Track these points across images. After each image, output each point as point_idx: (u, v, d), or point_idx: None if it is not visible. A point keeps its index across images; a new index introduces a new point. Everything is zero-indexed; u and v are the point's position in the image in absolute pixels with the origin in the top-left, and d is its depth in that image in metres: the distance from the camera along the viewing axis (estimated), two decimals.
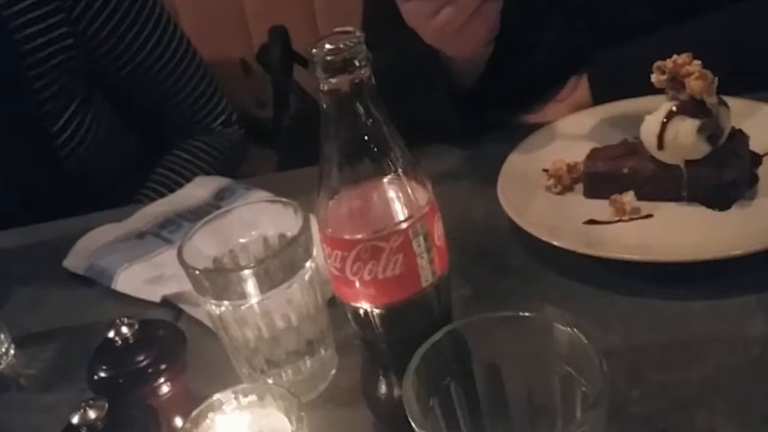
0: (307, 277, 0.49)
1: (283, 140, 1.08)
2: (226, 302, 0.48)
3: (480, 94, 0.78)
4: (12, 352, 0.62)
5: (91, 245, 0.73)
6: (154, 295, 0.64)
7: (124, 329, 0.45)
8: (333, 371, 0.52)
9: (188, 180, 0.97)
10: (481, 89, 0.78)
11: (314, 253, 0.50)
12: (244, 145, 1.11)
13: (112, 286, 0.67)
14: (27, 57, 0.89)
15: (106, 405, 0.37)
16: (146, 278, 0.66)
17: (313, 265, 0.50)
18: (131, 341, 0.44)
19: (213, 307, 0.49)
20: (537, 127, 0.73)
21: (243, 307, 0.48)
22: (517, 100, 0.81)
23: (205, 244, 0.52)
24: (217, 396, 0.40)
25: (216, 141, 1.06)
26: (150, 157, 1.05)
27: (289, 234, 0.51)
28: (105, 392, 0.42)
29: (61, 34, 0.91)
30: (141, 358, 0.44)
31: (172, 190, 1.00)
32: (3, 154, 0.91)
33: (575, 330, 0.35)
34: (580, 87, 0.78)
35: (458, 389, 0.37)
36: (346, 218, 0.43)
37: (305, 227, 0.49)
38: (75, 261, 0.72)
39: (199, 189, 0.80)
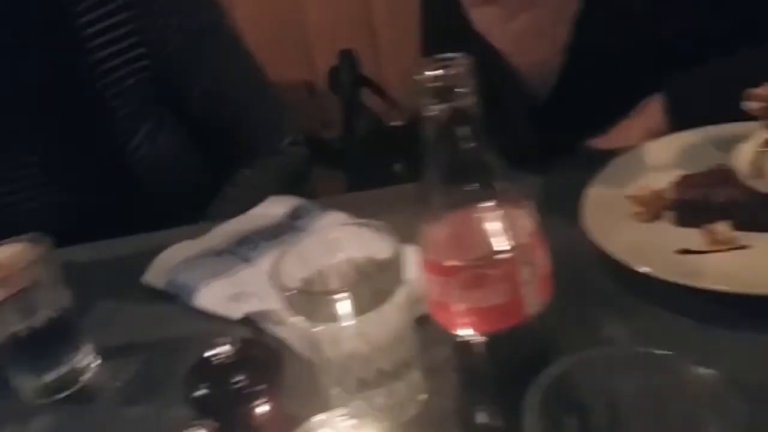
0: (399, 299, 0.49)
1: (352, 161, 1.09)
2: (318, 322, 0.48)
3: (551, 116, 0.77)
4: (97, 363, 0.62)
5: (170, 261, 0.74)
6: (235, 312, 0.64)
7: (223, 348, 0.45)
8: (423, 396, 0.51)
9: (255, 198, 0.98)
10: (552, 110, 0.76)
11: (407, 275, 0.49)
12: (309, 165, 1.11)
13: (193, 303, 0.68)
14: (104, 77, 0.91)
15: (218, 425, 0.37)
16: (227, 295, 0.66)
17: (405, 287, 0.50)
18: (230, 360, 0.44)
19: (305, 327, 0.49)
20: (610, 152, 0.71)
21: (336, 328, 0.48)
22: (588, 123, 0.79)
23: (293, 265, 0.52)
24: (318, 417, 0.40)
25: (283, 160, 1.07)
26: (217, 175, 1.06)
27: (379, 256, 0.50)
28: (204, 411, 0.42)
29: (137, 55, 0.93)
30: (240, 377, 0.43)
31: (240, 208, 1.01)
32: (77, 171, 0.93)
33: (708, 369, 0.33)
34: (652, 110, 0.76)
35: (578, 425, 0.36)
36: (449, 244, 0.43)
37: (398, 251, 0.49)
38: (154, 276, 0.73)
39: (273, 208, 0.81)
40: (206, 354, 0.45)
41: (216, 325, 0.64)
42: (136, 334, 0.67)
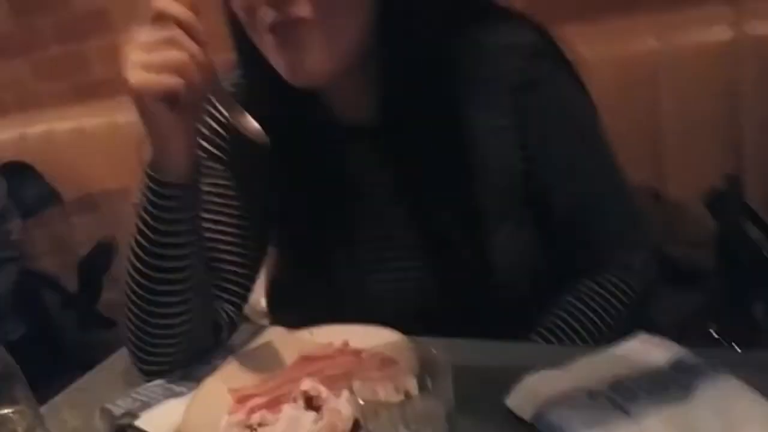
0: None
1: (723, 293, 1.00)
2: None
3: None
4: None
5: (539, 390, 0.71)
6: None
7: None
8: None
9: (599, 319, 0.93)
10: None
11: None
12: (655, 286, 1.04)
13: None
14: (480, 174, 0.92)
15: None
16: None
17: None
18: None
19: None
20: None
21: None
22: None
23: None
24: None
25: (632, 280, 1.00)
26: (557, 283, 1.03)
27: None
28: None
29: (513, 158, 0.93)
30: None
31: (583, 325, 0.96)
32: (439, 257, 0.95)
33: None
34: None
35: None
36: None
37: None
38: (520, 402, 0.71)
39: (650, 351, 0.75)
40: None
41: None
42: None
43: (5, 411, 0.67)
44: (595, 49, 1.22)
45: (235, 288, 0.98)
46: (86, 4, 2.16)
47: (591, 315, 0.96)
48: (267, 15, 0.80)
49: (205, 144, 0.96)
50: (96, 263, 1.66)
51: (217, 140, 0.98)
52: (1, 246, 1.64)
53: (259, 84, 0.91)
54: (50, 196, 1.97)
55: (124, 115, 2.00)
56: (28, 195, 1.95)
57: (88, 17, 2.17)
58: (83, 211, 1.78)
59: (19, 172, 2.02)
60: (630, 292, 0.99)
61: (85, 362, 1.01)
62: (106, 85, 2.21)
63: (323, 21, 0.80)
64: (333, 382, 0.77)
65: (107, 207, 1.80)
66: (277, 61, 0.83)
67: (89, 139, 2.07)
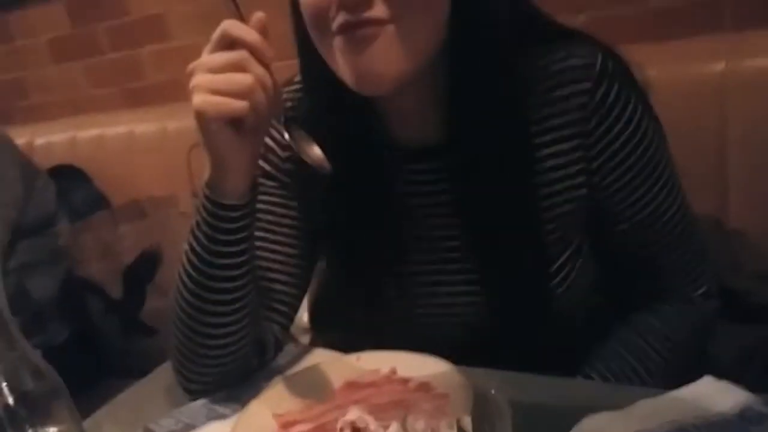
0: None
1: None
2: None
3: None
4: None
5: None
6: None
7: None
8: None
9: (657, 354, 0.90)
10: None
11: None
12: (716, 320, 0.99)
13: None
14: (545, 199, 0.89)
15: None
16: None
17: None
18: None
19: None
20: None
21: None
22: None
23: None
24: None
25: (692, 312, 0.96)
26: (615, 315, 0.99)
27: None
28: None
29: (578, 183, 0.90)
30: None
31: (641, 361, 0.92)
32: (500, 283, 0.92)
33: None
34: None
35: None
36: None
37: None
38: None
39: (715, 395, 0.70)
40: None
41: None
42: None
43: (51, 430, 0.66)
44: (662, 69, 1.17)
45: (283, 308, 0.96)
46: (142, 11, 2.18)
47: (649, 350, 0.92)
48: (339, 17, 0.78)
49: (259, 161, 0.95)
50: (141, 271, 1.66)
51: (272, 157, 0.97)
52: (49, 249, 1.65)
53: (318, 98, 0.90)
54: (99, 201, 1.99)
55: (175, 122, 2.01)
56: (77, 198, 1.97)
57: (143, 23, 2.19)
58: (130, 217, 1.79)
59: (69, 175, 2.04)
60: (690, 326, 0.95)
61: (127, 369, 1.00)
62: (159, 91, 2.24)
63: (397, 21, 0.77)
64: (379, 411, 0.75)
65: (154, 214, 1.80)
66: (344, 66, 0.81)
67: (139, 145, 2.09)
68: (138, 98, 2.30)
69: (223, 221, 0.81)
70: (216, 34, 0.75)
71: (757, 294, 1.05)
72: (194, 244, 0.83)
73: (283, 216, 0.96)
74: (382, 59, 0.78)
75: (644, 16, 1.40)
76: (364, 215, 0.92)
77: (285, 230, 0.96)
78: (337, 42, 0.80)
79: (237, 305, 0.85)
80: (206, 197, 0.81)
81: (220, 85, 0.74)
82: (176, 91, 2.18)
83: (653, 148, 0.90)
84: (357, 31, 0.77)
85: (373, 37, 0.77)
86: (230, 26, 0.75)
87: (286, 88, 0.97)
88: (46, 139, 2.28)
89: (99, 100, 2.40)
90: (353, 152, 0.89)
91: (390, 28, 0.77)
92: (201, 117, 0.75)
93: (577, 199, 0.90)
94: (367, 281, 0.96)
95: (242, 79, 0.74)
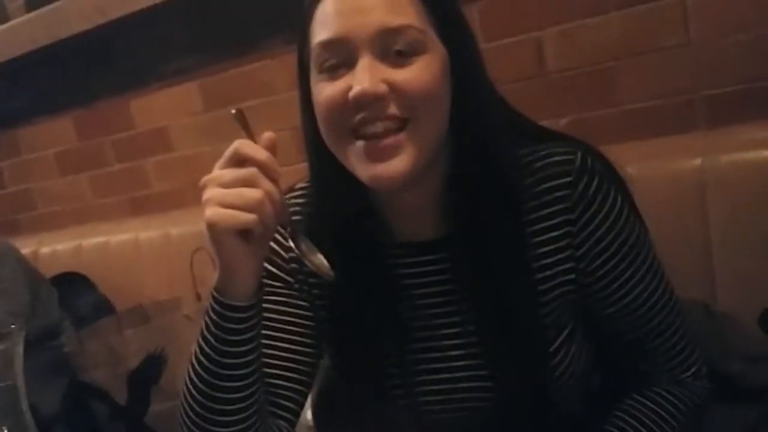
0: None
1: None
2: None
3: None
4: None
5: None
6: None
7: None
8: None
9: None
10: None
11: None
12: (709, 401, 1.02)
13: None
14: (539, 284, 0.95)
15: None
16: None
17: None
18: None
19: None
20: None
21: None
22: None
23: None
24: None
25: (683, 393, 0.99)
26: (605, 397, 1.01)
27: None
28: None
29: (567, 269, 0.95)
30: None
31: None
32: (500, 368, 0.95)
33: None
34: None
35: None
36: None
37: None
38: None
39: None
40: None
41: None
42: None
43: None
44: (642, 167, 1.24)
45: (289, 404, 0.99)
46: (147, 124, 2.29)
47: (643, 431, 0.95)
48: (357, 117, 0.86)
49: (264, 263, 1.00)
50: (145, 375, 1.67)
51: (276, 259, 1.02)
52: (54, 360, 1.67)
53: (327, 194, 0.97)
54: (104, 307, 2.01)
55: (178, 228, 2.07)
56: (81, 305, 2.00)
57: (148, 136, 2.29)
58: (135, 322, 1.82)
59: (73, 282, 2.08)
60: (682, 407, 0.98)
61: None
62: (162, 199, 2.30)
63: (411, 123, 0.86)
64: None
65: (158, 318, 1.83)
66: (360, 168, 0.88)
67: (143, 251, 2.14)
68: (142, 206, 2.37)
69: (232, 322, 0.85)
70: (228, 152, 0.82)
71: (750, 377, 1.08)
72: (203, 344, 0.87)
73: (288, 314, 1.01)
74: (400, 163, 0.86)
75: (620, 117, 1.48)
76: (367, 307, 0.97)
77: (290, 328, 1.00)
78: (357, 147, 0.87)
79: (245, 403, 0.88)
80: (215, 300, 0.86)
81: (230, 199, 0.80)
82: (179, 199, 2.26)
83: (635, 235, 0.96)
84: (380, 142, 0.86)
85: (395, 147, 0.85)
86: (242, 146, 0.82)
87: (289, 195, 1.04)
88: (52, 248, 2.34)
89: (104, 209, 2.46)
90: (358, 247, 0.95)
91: (405, 130, 0.86)
92: (212, 228, 0.81)
93: (567, 284, 0.95)
94: (371, 372, 0.99)
95: (252, 194, 0.80)
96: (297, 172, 1.05)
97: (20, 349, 0.68)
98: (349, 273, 0.93)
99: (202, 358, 0.87)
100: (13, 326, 0.67)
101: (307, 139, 0.95)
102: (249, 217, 0.80)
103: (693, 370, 1.01)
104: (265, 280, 0.95)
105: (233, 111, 0.85)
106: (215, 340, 0.86)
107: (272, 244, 1.01)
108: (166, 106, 2.20)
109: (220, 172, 0.82)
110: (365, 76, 0.83)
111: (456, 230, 0.94)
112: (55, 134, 2.49)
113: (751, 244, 1.21)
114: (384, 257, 0.98)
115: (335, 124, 0.88)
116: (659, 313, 0.98)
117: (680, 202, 1.27)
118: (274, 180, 0.81)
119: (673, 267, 1.01)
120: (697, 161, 1.27)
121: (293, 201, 1.03)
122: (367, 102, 0.84)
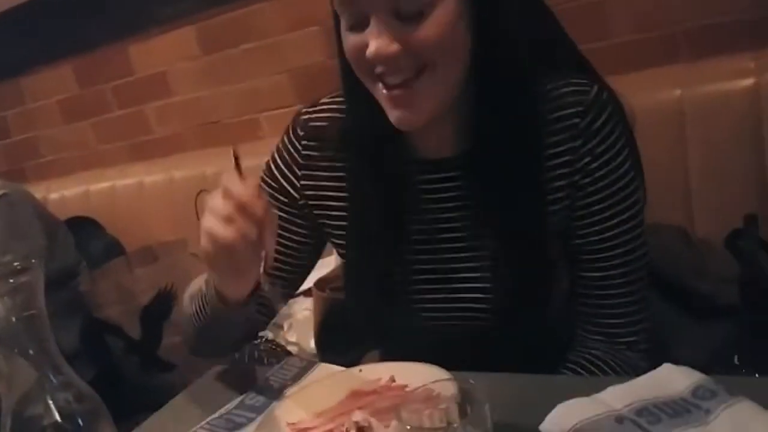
0: None
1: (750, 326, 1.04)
2: None
3: None
4: None
5: (570, 416, 0.77)
6: None
7: None
8: None
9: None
10: None
11: None
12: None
13: None
14: (544, 202, 1.00)
15: None
16: None
17: None
18: None
19: None
20: None
21: None
22: None
23: None
24: None
25: (616, 359, 1.00)
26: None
27: None
28: None
29: (566, 195, 0.99)
30: None
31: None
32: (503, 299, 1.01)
33: None
34: None
35: None
36: None
37: None
38: (552, 428, 0.77)
39: (673, 378, 0.80)
40: None
41: None
42: None
43: None
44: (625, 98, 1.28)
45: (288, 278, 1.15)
46: (146, 69, 2.32)
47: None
48: (377, 68, 0.91)
49: (281, 181, 1.12)
50: (157, 311, 1.76)
51: (290, 176, 1.13)
52: (71, 298, 1.75)
53: (359, 116, 1.03)
54: (114, 248, 2.09)
55: (180, 171, 2.13)
56: (92, 247, 2.07)
57: (147, 81, 2.33)
58: (144, 262, 1.89)
59: (84, 226, 2.14)
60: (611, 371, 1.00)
61: (148, 404, 1.09)
62: (164, 144, 2.35)
63: (429, 69, 0.90)
64: (382, 414, 0.84)
65: (166, 257, 1.91)
66: (385, 106, 0.94)
67: (148, 194, 2.21)
68: (145, 151, 2.43)
69: (226, 312, 1.01)
70: (221, 185, 0.88)
71: (720, 296, 1.14)
72: (200, 311, 1.05)
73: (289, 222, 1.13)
74: (421, 109, 0.93)
75: (608, 50, 1.51)
76: (375, 212, 1.05)
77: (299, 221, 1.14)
78: (380, 90, 0.93)
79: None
80: (215, 289, 1.00)
81: (213, 233, 0.88)
82: (180, 143, 2.31)
83: (628, 179, 0.98)
84: (400, 91, 0.91)
85: (410, 96, 0.91)
86: (227, 182, 0.88)
87: (312, 109, 1.12)
88: (60, 194, 2.41)
89: (108, 155, 2.52)
90: (377, 159, 1.03)
91: (423, 77, 0.90)
92: (203, 256, 0.92)
93: (563, 210, 0.99)
94: (374, 272, 1.07)
95: (224, 233, 0.86)
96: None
97: (41, 282, 0.74)
98: (366, 180, 1.03)
99: (199, 317, 1.06)
100: (33, 261, 0.73)
101: (342, 64, 0.99)
102: (224, 256, 0.88)
103: (631, 339, 1.01)
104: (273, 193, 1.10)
105: (232, 150, 0.90)
106: (211, 314, 1.03)
107: (286, 156, 1.12)
108: (164, 52, 2.23)
109: (213, 202, 0.88)
110: (377, 38, 0.88)
111: (470, 149, 0.99)
112: (56, 82, 2.53)
113: (727, 171, 1.26)
114: (401, 170, 1.04)
115: (360, 69, 0.94)
116: (619, 267, 0.98)
117: (660, 133, 1.32)
118: (257, 220, 0.86)
119: (654, 194, 1.05)
120: (677, 92, 1.32)
121: (316, 116, 1.10)
122: (381, 61, 0.89)
